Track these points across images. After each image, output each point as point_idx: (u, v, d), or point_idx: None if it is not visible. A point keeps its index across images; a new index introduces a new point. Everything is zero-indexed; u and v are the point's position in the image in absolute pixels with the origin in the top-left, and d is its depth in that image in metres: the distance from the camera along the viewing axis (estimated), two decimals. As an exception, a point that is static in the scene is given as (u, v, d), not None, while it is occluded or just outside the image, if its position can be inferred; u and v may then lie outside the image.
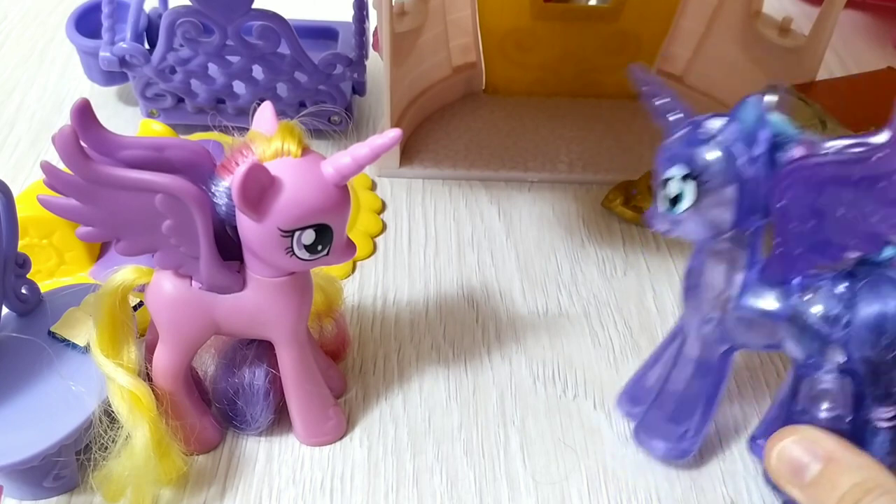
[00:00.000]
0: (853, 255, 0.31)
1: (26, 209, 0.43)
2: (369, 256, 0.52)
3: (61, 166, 0.31)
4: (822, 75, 0.54)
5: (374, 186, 0.58)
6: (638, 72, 0.35)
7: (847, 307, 0.32)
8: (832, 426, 0.34)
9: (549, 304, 0.49)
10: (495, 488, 0.40)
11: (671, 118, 0.33)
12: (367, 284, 0.50)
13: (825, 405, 0.34)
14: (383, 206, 0.56)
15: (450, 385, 0.44)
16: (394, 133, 0.32)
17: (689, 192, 0.32)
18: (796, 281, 0.33)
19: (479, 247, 0.53)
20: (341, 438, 0.41)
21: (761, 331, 0.34)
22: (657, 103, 0.34)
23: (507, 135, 0.62)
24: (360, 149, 0.32)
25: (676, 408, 0.38)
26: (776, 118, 0.31)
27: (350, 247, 0.35)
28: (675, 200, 0.32)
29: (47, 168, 0.31)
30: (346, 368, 0.45)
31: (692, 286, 0.35)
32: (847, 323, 0.32)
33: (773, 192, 0.31)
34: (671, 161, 0.32)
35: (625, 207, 0.54)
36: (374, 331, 0.47)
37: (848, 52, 0.74)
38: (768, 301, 0.33)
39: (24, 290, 0.40)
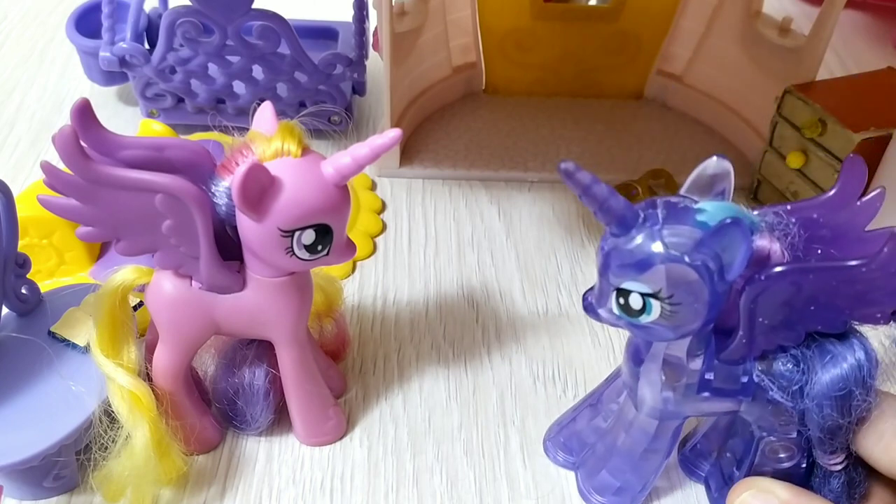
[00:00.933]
0: (813, 331, 0.31)
1: (26, 209, 0.43)
2: (369, 256, 0.52)
3: (61, 166, 0.31)
4: (822, 75, 0.54)
5: (374, 186, 0.58)
6: (568, 171, 0.28)
7: (807, 377, 0.31)
8: (794, 471, 0.34)
9: (549, 304, 0.49)
10: (495, 488, 0.40)
11: (618, 215, 0.28)
12: (367, 284, 0.50)
13: (784, 455, 0.34)
14: (383, 206, 0.56)
15: (450, 385, 0.44)
16: (394, 133, 0.32)
17: (655, 308, 0.29)
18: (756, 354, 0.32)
19: (479, 247, 0.53)
20: (341, 438, 0.41)
21: (722, 406, 0.33)
22: (603, 203, 0.28)
23: (507, 135, 0.62)
24: (360, 149, 0.32)
25: (630, 469, 0.37)
26: (731, 209, 0.29)
27: (350, 247, 0.35)
28: (637, 311, 0.29)
29: (47, 168, 0.31)
30: (346, 368, 0.45)
31: (640, 369, 0.33)
32: (807, 393, 0.31)
33: (741, 289, 0.30)
34: (629, 272, 0.28)
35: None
36: (374, 331, 0.47)
37: (848, 52, 0.74)
38: (726, 380, 0.32)
39: (24, 290, 0.40)
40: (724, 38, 0.60)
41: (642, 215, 0.29)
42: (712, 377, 0.32)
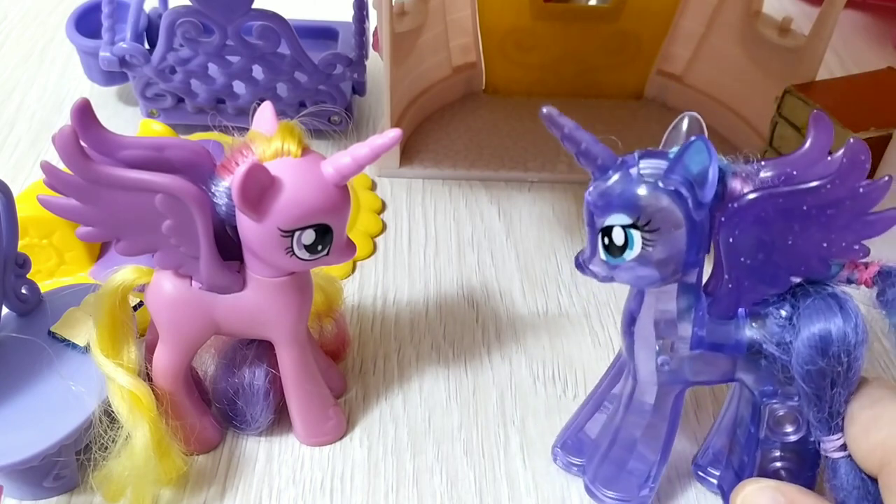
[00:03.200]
0: (800, 279, 0.31)
1: (26, 209, 0.43)
2: (369, 256, 0.52)
3: (61, 166, 0.31)
4: (822, 75, 0.54)
5: (374, 186, 0.58)
6: (550, 116, 0.31)
7: (796, 331, 0.31)
8: (801, 448, 0.34)
9: (549, 304, 0.49)
10: (495, 488, 0.40)
11: (597, 161, 0.31)
12: (367, 284, 0.50)
13: (790, 428, 0.34)
14: (383, 206, 0.56)
15: (450, 385, 0.44)
16: (394, 133, 0.32)
17: (636, 240, 0.30)
18: (741, 311, 0.32)
19: (479, 247, 0.53)
20: (341, 438, 0.41)
21: (717, 367, 0.33)
22: (581, 145, 0.31)
23: (507, 135, 0.62)
24: (360, 149, 0.32)
25: (634, 457, 0.36)
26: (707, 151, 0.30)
27: (350, 247, 0.35)
28: (620, 248, 0.30)
29: (47, 168, 0.31)
30: (346, 368, 0.45)
31: (634, 329, 0.34)
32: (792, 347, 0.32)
33: (719, 228, 0.30)
34: (609, 208, 0.30)
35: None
36: (374, 331, 0.47)
37: (848, 52, 0.74)
38: (722, 337, 0.32)
39: (24, 290, 0.40)
40: (724, 38, 0.60)
41: (620, 159, 0.31)
42: (704, 333, 0.33)
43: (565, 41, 0.63)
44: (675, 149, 0.31)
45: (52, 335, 0.39)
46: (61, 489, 0.38)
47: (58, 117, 0.63)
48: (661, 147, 0.32)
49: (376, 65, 0.58)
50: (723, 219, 0.30)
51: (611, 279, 0.32)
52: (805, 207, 0.29)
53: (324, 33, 0.64)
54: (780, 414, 0.34)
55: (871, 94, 0.53)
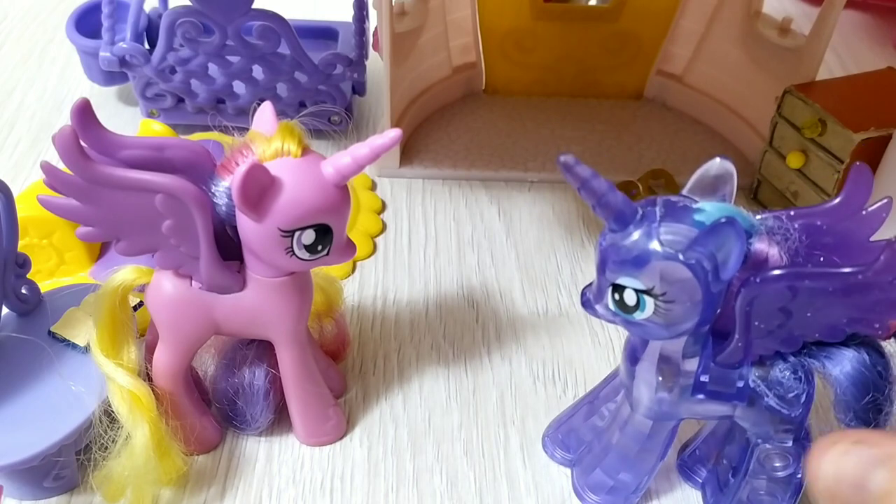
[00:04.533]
0: (811, 340, 0.31)
1: (26, 209, 0.43)
2: (369, 256, 0.52)
3: (61, 166, 0.31)
4: (822, 75, 0.54)
5: (374, 186, 0.58)
6: (567, 164, 0.28)
7: (806, 384, 0.31)
8: (788, 482, 0.34)
9: (549, 304, 0.49)
10: (495, 488, 0.40)
11: (616, 211, 0.28)
12: (367, 284, 0.50)
13: (779, 464, 0.34)
14: (383, 206, 0.56)
15: (450, 385, 0.44)
16: (394, 133, 0.32)
17: (648, 305, 0.29)
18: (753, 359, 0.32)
19: (479, 247, 0.53)
20: (341, 438, 0.41)
21: (717, 410, 0.33)
22: (601, 197, 0.28)
23: (507, 135, 0.62)
24: (360, 149, 0.32)
25: (625, 469, 0.37)
26: (730, 211, 0.29)
27: (350, 247, 0.35)
28: (630, 307, 0.29)
29: (47, 168, 0.31)
30: (346, 368, 0.45)
31: (636, 368, 0.33)
32: (807, 399, 0.31)
33: (737, 292, 0.29)
34: (623, 267, 0.29)
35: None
36: (374, 331, 0.47)
37: (848, 52, 0.74)
38: (721, 384, 0.32)
39: (24, 290, 0.40)
40: (724, 38, 0.60)
41: (641, 212, 0.29)
42: (707, 379, 0.32)
43: (565, 41, 0.63)
44: (700, 208, 0.29)
45: (52, 335, 0.39)
46: (61, 489, 0.38)
47: (58, 117, 0.63)
48: (686, 190, 0.31)
49: (376, 65, 0.58)
50: (742, 288, 0.29)
51: (629, 328, 0.31)
52: (831, 289, 0.28)
53: (324, 33, 0.64)
54: (774, 454, 0.34)
55: (871, 94, 0.53)
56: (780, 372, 0.31)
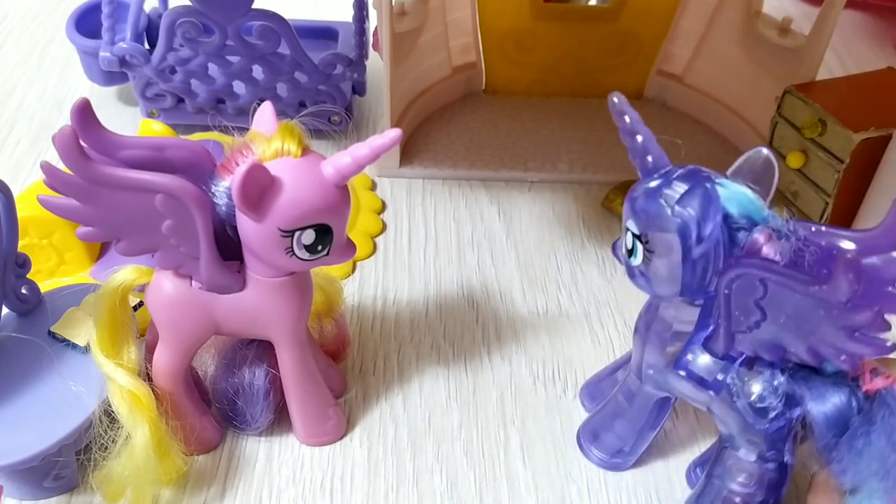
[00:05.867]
0: (794, 359, 0.30)
1: (26, 209, 0.43)
2: (369, 256, 0.52)
3: (61, 166, 0.31)
4: (822, 75, 0.54)
5: (374, 186, 0.58)
6: (618, 104, 0.33)
7: (784, 405, 0.31)
8: (744, 501, 0.34)
9: (549, 304, 0.49)
10: (495, 488, 0.40)
11: (647, 160, 0.32)
12: (367, 284, 0.50)
13: (740, 479, 0.34)
14: (383, 206, 0.56)
15: (450, 385, 0.44)
16: (394, 133, 0.32)
17: (639, 251, 0.31)
18: (741, 358, 0.32)
19: (479, 247, 0.53)
20: (341, 438, 0.41)
21: (693, 393, 0.34)
22: (636, 142, 0.32)
23: (507, 135, 0.62)
24: (360, 149, 0.32)
25: (617, 424, 0.39)
26: (748, 198, 0.30)
27: (350, 247, 0.35)
28: (629, 251, 0.32)
29: (47, 168, 0.31)
30: (346, 368, 0.45)
31: (645, 325, 0.35)
32: (777, 418, 0.31)
33: (721, 273, 0.30)
34: (631, 213, 0.31)
35: (625, 207, 0.54)
36: (374, 331, 0.47)
37: (848, 52, 0.74)
38: (703, 369, 0.33)
39: (24, 290, 0.40)
40: (724, 38, 0.60)
41: (668, 169, 0.31)
42: (691, 358, 0.33)
43: (565, 41, 0.63)
44: (721, 183, 0.30)
45: (52, 335, 0.39)
46: (61, 489, 0.38)
47: (58, 117, 0.63)
48: (729, 172, 0.32)
49: (376, 65, 0.58)
50: (724, 268, 0.30)
51: (630, 276, 0.33)
52: (798, 297, 0.28)
53: (324, 33, 0.64)
54: (738, 464, 0.34)
55: (871, 94, 0.53)
56: (759, 381, 0.31)
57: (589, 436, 0.41)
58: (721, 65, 0.61)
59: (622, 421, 0.38)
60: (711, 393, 0.33)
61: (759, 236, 0.30)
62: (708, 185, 0.29)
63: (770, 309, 0.29)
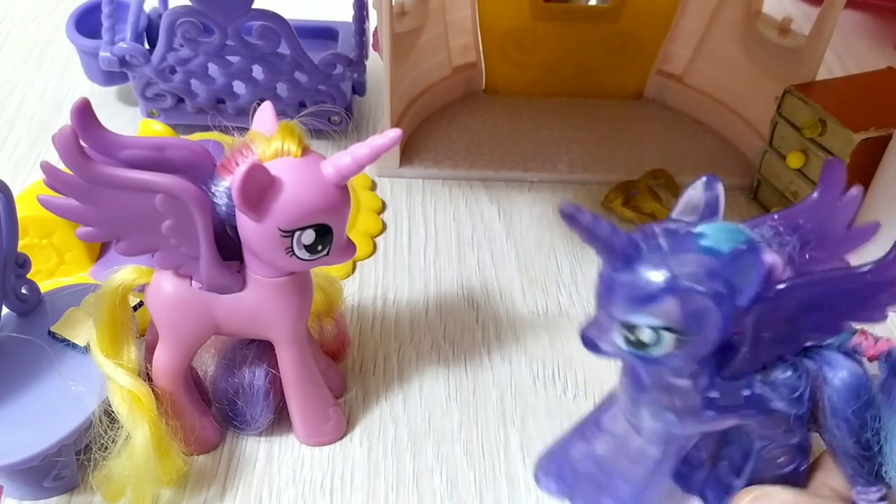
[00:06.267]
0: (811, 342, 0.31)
1: (26, 209, 0.43)
2: (369, 256, 0.52)
3: (61, 166, 0.31)
4: (822, 75, 0.54)
5: (374, 186, 0.58)
6: (568, 209, 0.27)
7: (806, 381, 0.31)
8: (792, 476, 0.34)
9: (549, 304, 0.49)
10: (495, 488, 0.40)
11: (621, 250, 0.27)
12: (367, 284, 0.50)
13: (783, 459, 0.34)
14: (383, 206, 0.56)
15: (450, 385, 0.44)
16: (394, 133, 0.32)
17: (667, 341, 0.28)
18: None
19: (479, 247, 0.53)
20: (341, 438, 0.41)
21: (727, 423, 0.33)
22: (599, 235, 0.27)
23: (507, 135, 0.62)
24: (360, 149, 0.32)
25: (636, 495, 0.35)
26: (730, 230, 0.28)
27: (350, 247, 0.35)
28: (645, 344, 0.28)
29: (47, 168, 0.31)
30: (346, 368, 0.45)
31: (639, 385, 0.32)
32: (810, 397, 0.31)
33: (745, 309, 0.29)
34: (638, 306, 0.27)
35: (625, 207, 0.54)
36: (374, 331, 0.47)
37: (848, 52, 0.74)
38: (733, 398, 0.31)
39: (24, 290, 0.40)
40: (724, 38, 0.60)
41: (644, 247, 0.28)
42: (717, 395, 0.31)
43: (565, 41, 0.63)
44: (702, 233, 0.28)
45: (52, 335, 0.39)
46: (61, 489, 0.38)
47: (58, 117, 0.63)
48: (675, 213, 0.30)
49: (376, 65, 0.58)
50: (754, 304, 0.29)
51: (625, 359, 0.30)
52: (839, 290, 0.29)
53: (324, 33, 0.64)
54: (777, 452, 0.34)
55: (871, 94, 0.53)
56: (783, 373, 0.31)
57: None
58: (721, 65, 0.61)
59: (644, 488, 0.35)
60: (745, 412, 0.32)
61: (769, 259, 0.29)
62: (744, 249, 0.27)
63: (805, 313, 0.29)
